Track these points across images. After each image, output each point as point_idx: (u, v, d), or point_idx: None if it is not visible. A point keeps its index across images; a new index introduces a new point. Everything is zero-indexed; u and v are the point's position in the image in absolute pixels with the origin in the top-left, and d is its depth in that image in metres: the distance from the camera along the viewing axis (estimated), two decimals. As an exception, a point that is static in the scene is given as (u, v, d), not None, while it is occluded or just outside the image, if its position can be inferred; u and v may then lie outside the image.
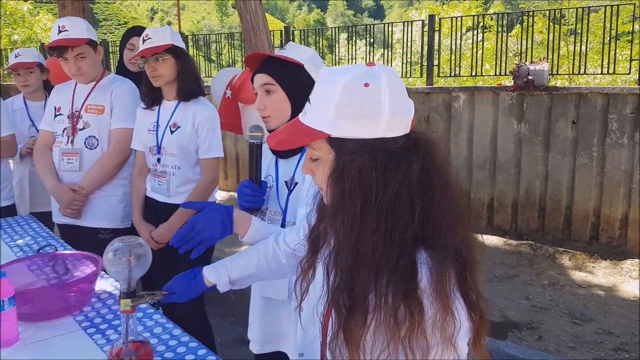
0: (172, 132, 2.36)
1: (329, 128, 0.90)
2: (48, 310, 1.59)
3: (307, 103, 0.96)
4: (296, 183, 1.60)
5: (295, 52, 1.59)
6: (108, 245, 1.29)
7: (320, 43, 7.51)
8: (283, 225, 1.62)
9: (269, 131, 1.63)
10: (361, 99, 0.88)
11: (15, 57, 3.15)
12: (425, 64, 5.92)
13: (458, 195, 0.94)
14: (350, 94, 0.89)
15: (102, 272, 1.85)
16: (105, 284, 1.85)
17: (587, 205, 4.85)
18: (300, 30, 7.48)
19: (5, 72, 3.33)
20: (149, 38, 2.28)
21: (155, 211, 2.45)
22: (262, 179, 1.69)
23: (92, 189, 2.51)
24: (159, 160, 2.40)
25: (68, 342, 1.47)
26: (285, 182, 1.63)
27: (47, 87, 3.29)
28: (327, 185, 0.93)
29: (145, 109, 2.44)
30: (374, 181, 0.87)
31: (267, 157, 1.71)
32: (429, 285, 0.86)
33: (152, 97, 2.40)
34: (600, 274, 4.33)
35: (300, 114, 0.97)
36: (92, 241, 2.40)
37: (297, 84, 1.55)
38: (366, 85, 0.88)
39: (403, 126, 0.91)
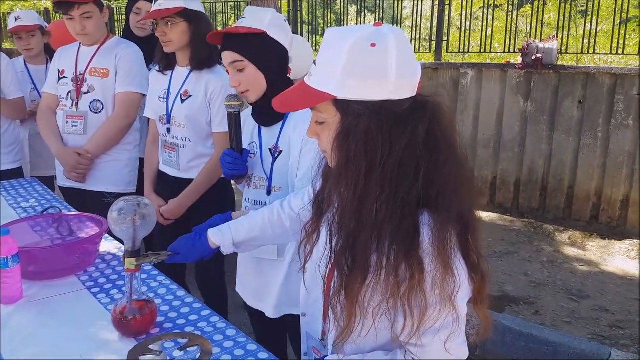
0: (182, 100, 2.22)
1: (335, 90, 0.89)
2: (52, 270, 1.61)
3: (313, 65, 0.94)
4: (280, 151, 1.60)
5: (255, 18, 1.55)
6: (113, 205, 1.29)
7: (328, 17, 7.37)
8: (269, 192, 1.63)
9: (250, 104, 1.63)
10: (368, 60, 0.87)
11: (16, 20, 3.08)
12: (435, 39, 5.83)
13: (462, 160, 0.94)
14: (357, 54, 0.87)
15: (107, 235, 1.87)
16: (110, 246, 1.87)
17: (589, 186, 4.85)
18: (308, 1, 7.34)
19: (8, 35, 3.25)
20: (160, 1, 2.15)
21: (166, 186, 2.33)
22: (246, 146, 1.69)
23: (98, 153, 2.50)
24: (168, 130, 2.27)
25: (72, 301, 1.49)
26: (270, 149, 1.63)
27: (48, 51, 3.26)
28: (333, 149, 0.93)
29: (158, 71, 2.31)
30: (379, 144, 0.87)
31: (250, 125, 1.70)
32: (430, 246, 0.87)
33: (165, 61, 2.27)
34: (599, 253, 4.36)
35: (305, 76, 0.96)
36: (96, 205, 2.39)
37: (263, 54, 1.53)
38: (373, 45, 0.87)
39: (410, 88, 0.90)
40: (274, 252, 1.63)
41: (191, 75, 2.22)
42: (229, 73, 1.62)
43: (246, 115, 1.71)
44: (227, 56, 1.55)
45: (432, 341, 0.90)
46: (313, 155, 1.48)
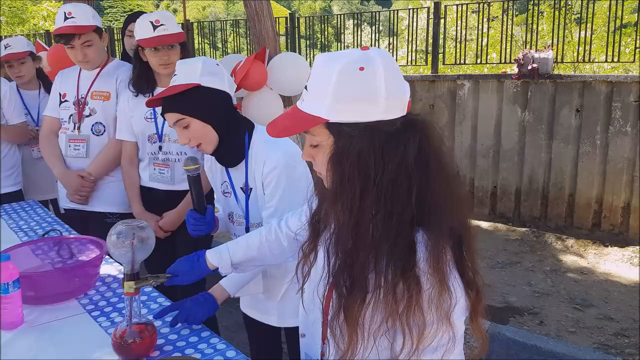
0: None
1: (327, 113, 0.91)
2: (53, 294, 1.61)
3: (305, 90, 0.96)
4: (251, 188, 1.63)
5: (186, 72, 1.56)
6: (111, 229, 1.30)
7: (326, 31, 7.44)
8: (247, 229, 1.66)
9: (209, 154, 1.64)
10: (357, 83, 0.89)
11: (5, 48, 3.08)
12: (431, 51, 5.88)
13: (453, 175, 0.95)
14: (347, 78, 0.89)
15: (107, 257, 1.87)
16: (110, 268, 1.87)
17: (589, 193, 4.85)
18: (305, 17, 7.41)
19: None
20: (161, 24, 2.21)
21: (156, 200, 2.37)
22: (220, 186, 1.73)
23: (100, 175, 2.52)
24: (160, 148, 2.32)
25: (73, 325, 1.49)
26: (241, 188, 1.66)
27: (40, 76, 3.28)
28: (327, 170, 0.94)
29: (136, 96, 2.35)
30: (372, 164, 0.88)
31: (218, 168, 1.72)
32: (426, 264, 0.87)
33: (146, 84, 2.33)
34: (602, 261, 4.34)
35: (298, 102, 0.98)
36: (99, 225, 2.40)
37: (202, 106, 1.54)
38: (361, 69, 0.89)
39: (400, 108, 0.92)
40: (259, 286, 1.66)
41: None
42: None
43: (212, 160, 1.74)
44: (170, 118, 1.56)
45: None
46: (274, 185, 1.53)
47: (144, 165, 2.41)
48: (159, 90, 2.34)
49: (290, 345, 1.79)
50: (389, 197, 0.88)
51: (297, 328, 1.59)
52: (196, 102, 1.53)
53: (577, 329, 3.23)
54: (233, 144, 1.60)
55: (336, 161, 0.92)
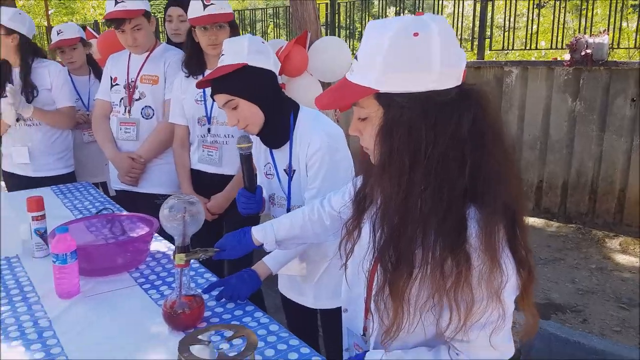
0: None
1: (377, 83, 0.87)
2: (106, 267, 1.70)
3: (354, 60, 0.92)
4: (294, 170, 1.64)
5: (233, 52, 1.56)
6: (164, 203, 1.35)
7: (366, 20, 7.35)
8: (288, 210, 1.67)
9: (256, 135, 1.66)
10: (411, 50, 0.85)
11: (58, 34, 3.20)
12: (477, 37, 5.72)
13: (510, 151, 0.91)
14: (399, 45, 0.85)
15: (157, 234, 1.95)
16: (160, 245, 1.95)
17: (642, 188, 4.64)
18: (345, 2, 7.34)
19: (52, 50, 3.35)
20: (211, 4, 2.23)
21: (203, 182, 2.42)
22: (263, 168, 1.74)
23: (150, 157, 2.60)
24: (209, 130, 2.36)
25: (125, 296, 1.57)
26: (284, 169, 1.67)
27: (90, 62, 3.40)
28: (376, 143, 0.92)
29: (187, 77, 2.39)
30: (423, 136, 0.85)
31: (262, 149, 1.74)
32: (478, 240, 0.85)
33: (197, 65, 2.37)
34: (653, 259, 4.17)
35: (347, 73, 0.95)
36: (148, 206, 2.46)
37: (250, 86, 1.55)
38: (416, 34, 0.84)
39: (455, 78, 0.88)
40: (303, 268, 1.69)
41: None
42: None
43: (258, 141, 1.75)
44: (220, 99, 1.58)
45: (478, 336, 0.89)
46: (318, 166, 1.54)
47: (194, 148, 2.46)
48: (208, 72, 2.35)
49: (325, 326, 1.82)
50: (440, 171, 0.85)
51: (333, 310, 1.62)
52: (244, 82, 1.55)
53: (622, 328, 3.12)
54: (278, 125, 1.62)
55: (385, 133, 0.89)
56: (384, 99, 0.89)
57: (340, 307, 1.20)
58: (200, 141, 2.42)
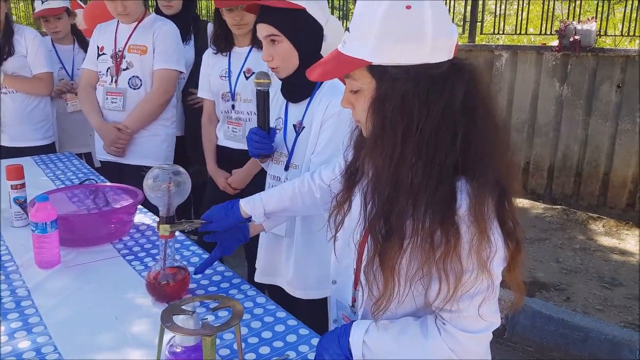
0: (246, 77, 2.31)
1: (370, 55, 0.87)
2: (89, 237, 1.66)
3: (346, 32, 0.92)
4: (304, 127, 1.60)
5: None
6: (148, 172, 1.32)
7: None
8: (286, 167, 1.63)
9: (280, 79, 1.61)
10: (403, 22, 0.85)
11: (42, 3, 3.10)
12: (469, 20, 5.69)
13: (500, 125, 0.92)
14: (392, 17, 0.85)
15: (142, 206, 1.91)
16: (144, 218, 1.91)
17: (625, 172, 4.70)
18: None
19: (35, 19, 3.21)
20: None
21: (226, 159, 2.42)
22: (273, 122, 1.70)
23: (136, 128, 2.55)
24: (233, 106, 2.36)
25: (108, 267, 1.54)
26: (294, 125, 1.63)
27: (74, 31, 3.30)
28: (368, 116, 0.92)
29: (215, 54, 2.39)
30: (416, 108, 0.85)
31: (279, 101, 1.70)
32: (467, 212, 0.85)
33: (224, 42, 2.36)
34: (634, 241, 4.23)
35: (339, 45, 0.94)
36: (134, 178, 2.42)
37: (300, 30, 1.50)
38: (408, 7, 0.85)
39: (447, 50, 0.88)
40: (282, 229, 1.65)
41: (252, 54, 2.32)
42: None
43: (274, 91, 1.71)
44: (263, 29, 1.52)
45: (468, 306, 0.90)
46: (333, 131, 1.49)
47: (219, 125, 2.46)
48: (236, 49, 2.36)
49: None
50: (432, 143, 0.85)
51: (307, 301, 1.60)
52: (296, 24, 1.49)
53: (604, 307, 3.18)
54: (306, 79, 1.57)
55: (378, 105, 0.89)
56: (376, 71, 0.88)
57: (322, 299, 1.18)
58: (224, 117, 2.42)
